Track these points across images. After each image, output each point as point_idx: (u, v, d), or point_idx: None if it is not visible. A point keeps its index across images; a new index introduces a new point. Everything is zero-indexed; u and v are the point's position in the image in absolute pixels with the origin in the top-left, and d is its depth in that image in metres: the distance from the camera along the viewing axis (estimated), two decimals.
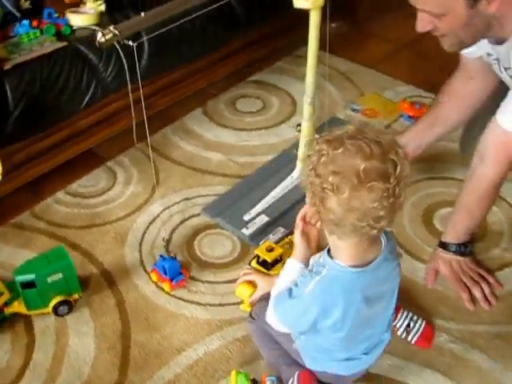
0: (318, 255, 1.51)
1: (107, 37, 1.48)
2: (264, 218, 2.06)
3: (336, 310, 1.36)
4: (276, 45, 2.77)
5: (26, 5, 2.24)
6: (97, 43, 1.51)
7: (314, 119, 2.11)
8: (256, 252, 1.86)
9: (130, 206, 2.16)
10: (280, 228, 2.04)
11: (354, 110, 2.52)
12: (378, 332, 1.52)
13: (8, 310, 1.80)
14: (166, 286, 1.87)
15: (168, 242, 1.99)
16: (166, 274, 1.87)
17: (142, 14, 1.57)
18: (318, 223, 1.44)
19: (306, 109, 2.08)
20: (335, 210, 1.23)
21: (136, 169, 2.31)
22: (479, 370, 1.64)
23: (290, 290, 1.42)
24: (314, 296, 1.34)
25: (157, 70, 2.31)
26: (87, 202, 2.18)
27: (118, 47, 2.07)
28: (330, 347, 1.49)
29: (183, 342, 1.73)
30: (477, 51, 1.94)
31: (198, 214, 2.12)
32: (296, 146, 2.34)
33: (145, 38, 2.17)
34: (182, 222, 2.09)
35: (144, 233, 2.06)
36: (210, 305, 1.83)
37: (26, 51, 2.03)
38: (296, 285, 1.41)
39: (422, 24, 1.67)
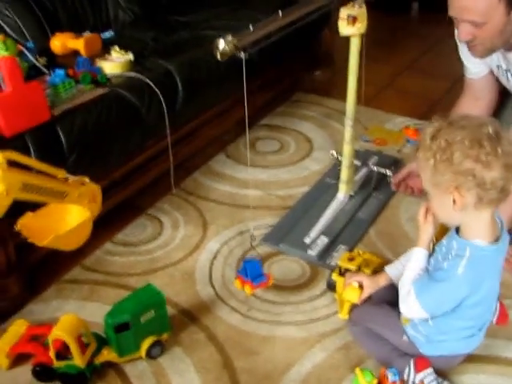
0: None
1: (229, 46, 1.48)
2: (324, 239, 2.09)
3: (483, 286, 1.43)
4: (275, 91, 2.87)
5: (43, 61, 2.22)
6: (218, 53, 1.51)
7: (354, 142, 2.18)
8: (339, 263, 1.86)
9: (187, 246, 2.12)
10: (341, 246, 2.08)
11: (365, 141, 2.65)
12: (493, 306, 1.58)
13: (98, 360, 1.69)
14: (247, 288, 1.84)
15: (254, 239, 1.97)
16: (247, 276, 1.83)
17: (250, 26, 1.59)
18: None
19: (347, 132, 2.15)
20: (493, 175, 1.31)
21: (179, 213, 2.29)
22: None
23: (431, 276, 1.46)
24: (466, 276, 1.39)
25: (188, 114, 2.33)
26: (141, 249, 2.12)
27: (158, 92, 2.11)
28: (462, 325, 1.53)
29: (288, 361, 1.69)
30: (484, 70, 2.11)
31: (259, 245, 2.10)
32: (327, 175, 2.43)
33: (179, 81, 2.23)
34: (244, 255, 2.07)
35: (210, 269, 2.02)
36: (301, 322, 1.81)
37: (68, 99, 1.99)
38: (440, 269, 1.44)
39: (465, 34, 1.81)
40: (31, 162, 1.44)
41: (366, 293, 1.70)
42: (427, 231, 1.53)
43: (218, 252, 2.09)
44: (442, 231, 1.57)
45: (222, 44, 1.49)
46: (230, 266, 2.03)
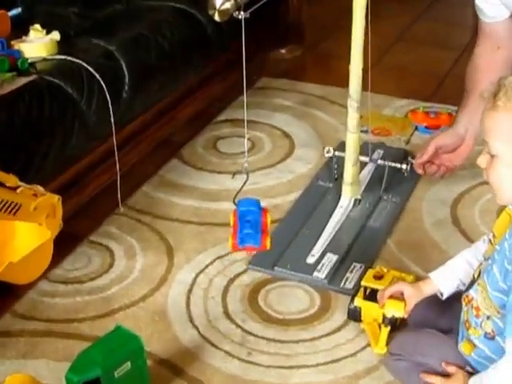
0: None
1: (230, 3, 1.50)
2: (332, 257, 2.15)
3: None
4: (235, 77, 2.92)
5: None
6: (216, 13, 1.53)
7: (359, 129, 2.26)
8: (363, 283, 1.92)
9: (151, 279, 2.14)
10: (355, 264, 2.14)
11: (362, 132, 2.69)
12: None
13: None
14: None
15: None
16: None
17: None
18: None
19: (351, 118, 2.23)
20: None
21: (132, 237, 2.30)
22: None
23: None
24: None
25: (135, 108, 2.35)
26: (89, 287, 2.12)
27: (99, 78, 2.12)
28: None
29: None
30: (504, 13, 2.24)
31: (246, 270, 2.15)
32: (319, 177, 2.52)
33: (124, 65, 2.26)
34: (229, 284, 2.10)
35: (188, 305, 2.04)
36: (322, 364, 1.85)
37: None
38: None
39: None
40: None
41: (411, 303, 1.78)
42: None
43: (194, 283, 2.11)
44: (502, 224, 1.63)
45: (219, 3, 1.52)
46: (213, 299, 2.05)
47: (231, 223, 1.86)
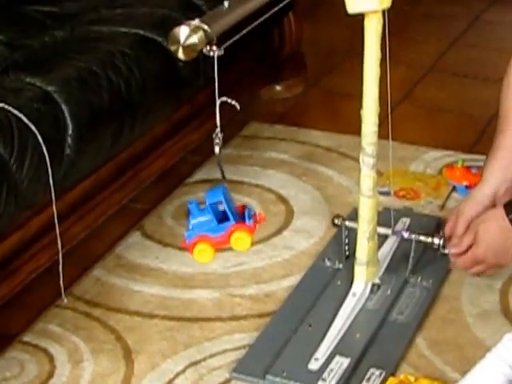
0: None
1: (198, 35, 1.54)
2: (342, 361, 2.18)
3: None
4: (210, 126, 2.97)
5: None
6: (180, 49, 1.57)
7: (376, 192, 2.33)
8: None
9: None
10: (373, 370, 2.17)
11: (382, 193, 2.77)
12: None
13: None
14: (238, 240, 2.11)
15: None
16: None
17: (225, 3, 1.67)
18: None
19: (366, 176, 2.29)
20: None
21: (78, 337, 2.34)
22: None
23: None
24: None
25: (82, 167, 2.39)
26: None
27: (34, 129, 2.18)
28: None
29: None
30: None
31: (229, 380, 2.18)
32: (325, 254, 2.58)
33: (66, 111, 2.32)
34: None
35: None
36: None
37: None
38: None
39: None
40: None
41: None
42: None
43: None
44: None
45: (185, 33, 1.55)
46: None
47: None
